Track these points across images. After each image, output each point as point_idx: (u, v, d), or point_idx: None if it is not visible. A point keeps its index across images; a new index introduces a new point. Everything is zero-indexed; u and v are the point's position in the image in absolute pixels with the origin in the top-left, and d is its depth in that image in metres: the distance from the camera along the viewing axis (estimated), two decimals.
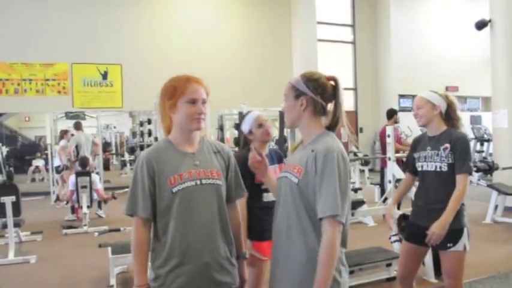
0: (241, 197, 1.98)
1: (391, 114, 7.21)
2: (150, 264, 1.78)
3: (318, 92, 1.75)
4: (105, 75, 12.50)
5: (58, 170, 9.25)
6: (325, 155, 1.62)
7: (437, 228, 2.61)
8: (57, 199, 8.44)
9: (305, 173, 1.66)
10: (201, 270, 1.73)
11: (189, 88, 1.76)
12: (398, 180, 4.48)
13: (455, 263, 2.68)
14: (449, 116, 2.78)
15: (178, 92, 1.76)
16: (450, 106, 2.79)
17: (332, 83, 1.80)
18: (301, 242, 1.68)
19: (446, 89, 15.28)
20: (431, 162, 2.73)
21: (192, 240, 1.72)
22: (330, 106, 1.79)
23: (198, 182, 1.75)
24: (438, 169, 2.70)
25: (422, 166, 2.79)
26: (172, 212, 1.72)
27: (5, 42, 11.55)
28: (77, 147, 9.00)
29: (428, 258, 4.13)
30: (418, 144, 2.89)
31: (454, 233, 2.63)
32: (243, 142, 2.96)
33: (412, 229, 2.89)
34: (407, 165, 3.00)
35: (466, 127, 3.13)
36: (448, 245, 2.64)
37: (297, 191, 1.68)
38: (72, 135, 9.74)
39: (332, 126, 1.78)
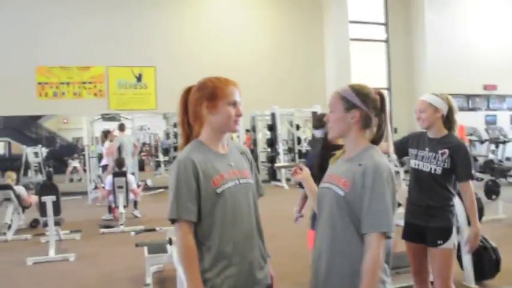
0: (261, 196, 1.98)
1: None
2: None
3: (370, 107, 1.77)
4: (139, 78, 12.74)
5: (104, 169, 9.52)
6: (375, 170, 1.65)
7: (472, 238, 2.77)
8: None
9: (352, 187, 1.68)
10: (246, 270, 1.74)
11: (229, 90, 1.78)
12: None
13: (445, 260, 2.73)
14: (448, 119, 2.83)
15: (219, 93, 1.76)
16: (450, 109, 2.84)
17: (378, 97, 1.82)
18: (346, 254, 1.69)
19: (485, 87, 14.88)
20: (428, 163, 2.79)
21: (239, 240, 1.73)
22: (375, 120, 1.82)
23: (237, 182, 1.77)
24: (433, 171, 2.76)
25: (418, 165, 2.85)
26: (217, 213, 1.71)
27: (44, 47, 11.95)
28: (119, 148, 9.29)
29: (468, 262, 4.03)
30: (418, 140, 2.93)
31: (444, 230, 2.71)
32: (323, 144, 3.03)
33: (408, 227, 2.93)
34: (398, 150, 3.03)
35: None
36: (438, 242, 2.70)
37: (343, 204, 1.69)
38: (115, 135, 10.04)
39: (376, 140, 1.81)
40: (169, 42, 12.80)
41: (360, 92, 1.78)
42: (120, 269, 4.93)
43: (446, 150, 2.73)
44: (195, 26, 13.12)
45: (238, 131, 2.01)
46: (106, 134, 9.98)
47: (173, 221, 1.69)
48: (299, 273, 4.50)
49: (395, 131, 14.43)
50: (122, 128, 10.05)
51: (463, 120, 6.61)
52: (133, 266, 4.88)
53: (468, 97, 14.87)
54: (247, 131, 12.09)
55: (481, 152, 11.98)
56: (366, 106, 1.76)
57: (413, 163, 2.89)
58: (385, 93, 14.79)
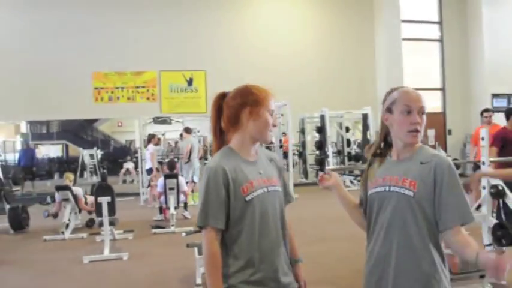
0: (289, 203, 1.97)
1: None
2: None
3: None
4: (190, 82, 13.02)
5: (149, 173, 9.80)
6: (448, 166, 1.66)
7: None
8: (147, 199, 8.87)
9: (420, 186, 1.66)
10: (272, 276, 1.74)
11: (269, 99, 1.81)
12: (493, 187, 4.19)
13: None
14: None
15: (262, 100, 1.78)
16: None
17: None
18: (418, 257, 1.66)
19: None
20: None
21: (266, 248, 1.73)
22: None
23: (266, 190, 1.77)
24: None
25: None
26: (246, 220, 1.71)
27: (100, 54, 12.46)
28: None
29: None
30: None
31: None
32: None
33: None
34: None
35: None
36: None
37: (415, 204, 1.66)
38: (159, 139, 10.29)
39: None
40: (219, 46, 13.00)
41: None
42: (171, 269, 5.03)
43: None
44: (244, 30, 13.25)
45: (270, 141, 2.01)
46: (150, 138, 10.24)
47: (201, 228, 1.70)
48: (347, 277, 4.43)
49: (449, 132, 13.95)
50: (188, 130, 10.39)
51: None
52: (184, 266, 4.97)
53: None
54: (283, 133, 12.10)
55: None
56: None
57: None
58: (439, 93, 14.36)
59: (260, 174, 1.79)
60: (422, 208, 1.65)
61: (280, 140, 12.07)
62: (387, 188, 1.73)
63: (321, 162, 11.58)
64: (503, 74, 13.41)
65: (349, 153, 12.53)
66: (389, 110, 1.76)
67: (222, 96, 1.84)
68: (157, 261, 5.41)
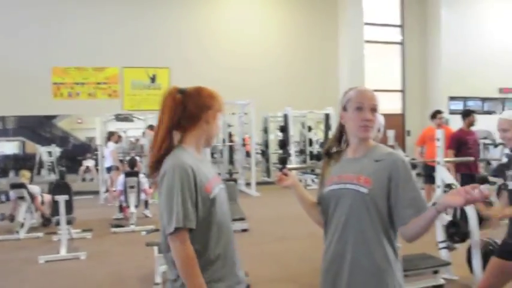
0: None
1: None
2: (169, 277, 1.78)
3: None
4: (153, 79, 12.85)
5: (109, 170, 9.63)
6: (402, 162, 1.71)
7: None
8: (106, 195, 8.66)
9: (374, 183, 1.70)
10: (233, 271, 1.78)
11: (223, 104, 1.87)
12: (447, 186, 4.34)
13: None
14: None
15: (221, 106, 1.85)
16: None
17: None
18: (373, 253, 1.70)
19: (501, 90, 14.68)
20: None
21: (228, 243, 1.77)
22: None
23: (221, 186, 1.83)
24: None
25: (509, 185, 2.77)
26: (211, 218, 1.71)
27: (60, 48, 12.12)
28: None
29: (477, 266, 3.98)
30: (510, 161, 2.86)
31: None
32: None
33: (506, 246, 2.80)
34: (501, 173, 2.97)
35: None
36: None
37: (369, 201, 1.70)
38: (119, 136, 10.13)
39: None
40: (183, 43, 12.89)
41: None
42: (130, 268, 4.97)
43: None
44: (209, 27, 13.18)
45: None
46: (110, 136, 10.05)
47: (175, 230, 1.62)
48: (308, 275, 4.49)
49: (408, 133, 14.34)
50: (152, 128, 10.22)
51: (477, 123, 6.58)
52: (143, 265, 4.92)
53: (483, 100, 14.70)
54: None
55: (494, 155, 11.81)
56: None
57: (509, 184, 2.79)
58: (399, 95, 14.74)
59: (211, 172, 1.83)
60: (376, 205, 1.69)
61: (243, 139, 12.10)
62: (343, 186, 1.77)
63: (283, 161, 11.64)
64: (460, 77, 13.91)
65: (311, 152, 12.67)
66: (344, 108, 1.82)
67: (178, 92, 1.80)
68: (115, 261, 5.33)
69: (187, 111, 1.77)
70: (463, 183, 5.86)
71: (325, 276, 1.81)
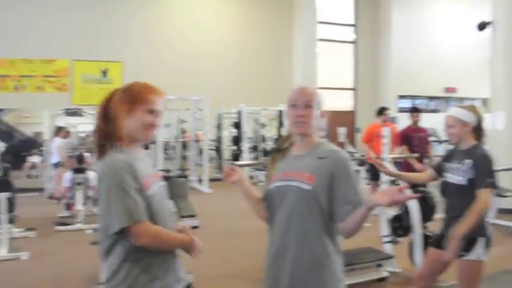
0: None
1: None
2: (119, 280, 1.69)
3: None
4: (105, 73, 12.53)
5: (56, 167, 9.30)
6: (344, 159, 1.76)
7: (452, 236, 2.64)
8: (51, 196, 8.33)
9: (317, 180, 1.73)
10: (173, 270, 1.77)
11: (151, 98, 1.76)
12: (392, 181, 4.46)
13: (467, 272, 2.71)
14: (477, 129, 2.80)
15: (140, 98, 1.74)
16: (479, 120, 2.80)
17: None
18: (314, 248, 1.74)
19: (445, 90, 15.28)
20: (455, 175, 2.77)
21: None
22: None
23: (160, 184, 1.82)
24: (459, 182, 2.74)
25: (447, 177, 2.85)
26: (149, 216, 1.69)
27: (5, 38, 11.56)
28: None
29: (419, 259, 4.12)
30: (450, 154, 2.94)
31: (468, 241, 2.65)
32: None
33: (439, 236, 2.90)
34: (437, 168, 3.03)
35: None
36: (461, 253, 2.66)
37: (311, 198, 1.73)
38: (68, 131, 9.80)
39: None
40: (136, 38, 12.63)
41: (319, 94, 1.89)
42: (74, 268, 4.83)
43: (471, 161, 2.70)
44: (162, 24, 12.98)
45: (150, 140, 1.98)
46: (58, 131, 9.70)
47: (131, 224, 1.59)
48: (256, 270, 4.47)
49: (358, 130, 14.67)
50: None
51: (424, 121, 6.81)
52: (88, 264, 4.78)
53: (430, 99, 15.26)
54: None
55: (439, 152, 12.28)
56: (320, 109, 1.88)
57: (444, 176, 2.88)
58: (351, 93, 15.06)
59: (149, 170, 1.81)
60: (318, 201, 1.72)
61: (197, 135, 12.02)
62: (287, 183, 1.79)
63: (236, 158, 11.67)
64: (409, 76, 14.37)
65: (264, 148, 12.75)
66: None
67: (113, 94, 1.81)
68: (59, 260, 5.16)
69: (111, 108, 1.77)
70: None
71: (268, 271, 1.84)
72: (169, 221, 1.80)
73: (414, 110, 6.61)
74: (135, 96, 1.75)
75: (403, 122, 10.86)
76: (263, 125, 13.22)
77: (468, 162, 2.71)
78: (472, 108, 2.80)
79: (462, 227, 2.60)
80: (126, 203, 1.59)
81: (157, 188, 1.76)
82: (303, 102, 1.79)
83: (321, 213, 1.73)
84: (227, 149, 12.77)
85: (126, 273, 1.65)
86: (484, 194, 2.65)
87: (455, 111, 2.82)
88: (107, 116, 1.76)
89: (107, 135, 1.74)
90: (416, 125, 6.49)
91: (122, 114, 1.73)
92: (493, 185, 2.70)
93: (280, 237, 1.79)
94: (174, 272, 1.76)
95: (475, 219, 2.62)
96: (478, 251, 2.66)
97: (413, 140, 6.34)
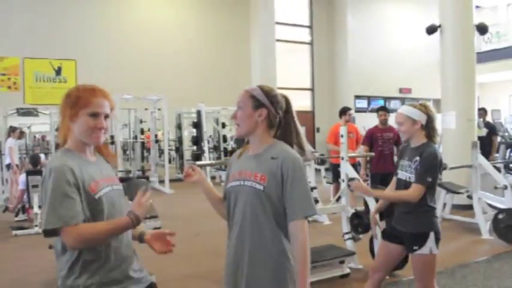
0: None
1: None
2: (64, 279, 1.68)
3: (278, 107, 1.87)
4: (58, 71, 12.19)
5: (8, 169, 8.96)
6: (293, 161, 1.76)
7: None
8: (6, 208, 7.88)
9: (269, 180, 1.76)
10: (125, 274, 1.76)
11: (93, 100, 1.74)
12: (351, 179, 4.58)
13: (422, 266, 2.79)
14: (428, 127, 2.85)
15: (81, 102, 1.73)
16: (429, 118, 2.85)
17: (284, 100, 1.92)
18: (269, 247, 1.76)
19: (400, 90, 15.81)
20: (405, 171, 2.86)
21: (117, 245, 1.75)
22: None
23: (111, 188, 1.78)
24: (408, 179, 2.83)
25: (398, 174, 2.95)
26: (96, 218, 1.68)
27: None
28: None
29: None
30: (402, 151, 3.03)
31: (420, 236, 2.76)
32: None
33: (390, 229, 2.98)
34: (395, 167, 3.13)
35: None
36: (414, 247, 2.76)
37: (264, 197, 1.76)
38: (22, 132, 9.44)
39: (282, 137, 1.90)
40: (92, 36, 12.35)
41: (268, 93, 1.87)
42: (34, 273, 4.69)
43: (418, 158, 2.78)
44: (119, 21, 12.76)
45: (100, 143, 1.96)
46: (10, 132, 9.33)
47: (56, 229, 1.60)
48: (221, 270, 4.52)
49: (317, 130, 14.94)
50: None
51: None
52: (48, 269, 4.63)
53: (385, 99, 15.72)
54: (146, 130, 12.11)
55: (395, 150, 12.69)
56: (272, 106, 1.86)
57: (397, 173, 2.97)
58: (309, 93, 15.30)
59: (102, 173, 1.79)
60: (271, 201, 1.76)
61: (156, 135, 11.89)
62: (241, 182, 1.83)
63: (197, 158, 11.64)
64: (365, 77, 14.76)
65: (225, 148, 12.76)
66: None
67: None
68: (17, 266, 4.99)
69: (60, 113, 1.78)
70: (372, 182, 6.16)
71: (227, 271, 1.88)
72: None
73: (381, 109, 6.57)
74: (77, 101, 1.72)
75: (360, 122, 11.15)
76: (223, 125, 13.22)
77: (416, 159, 2.80)
78: (422, 107, 2.86)
79: (377, 193, 2.99)
80: (59, 205, 1.59)
81: (108, 190, 1.74)
82: (237, 104, 1.88)
83: (275, 213, 1.76)
84: (188, 149, 12.71)
85: (73, 273, 1.65)
86: (416, 189, 2.74)
87: (405, 109, 2.90)
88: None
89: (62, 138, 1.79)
90: (385, 124, 6.36)
91: (66, 119, 1.74)
92: (430, 184, 2.76)
93: (237, 237, 1.83)
94: (129, 274, 1.76)
95: (393, 198, 2.90)
96: (430, 245, 2.75)
97: (378, 139, 6.27)
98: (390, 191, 2.96)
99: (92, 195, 1.68)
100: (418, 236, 2.76)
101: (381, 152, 6.07)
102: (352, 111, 7.48)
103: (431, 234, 2.77)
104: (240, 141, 11.22)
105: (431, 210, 2.83)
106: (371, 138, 6.30)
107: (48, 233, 1.60)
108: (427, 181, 2.74)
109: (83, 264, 1.65)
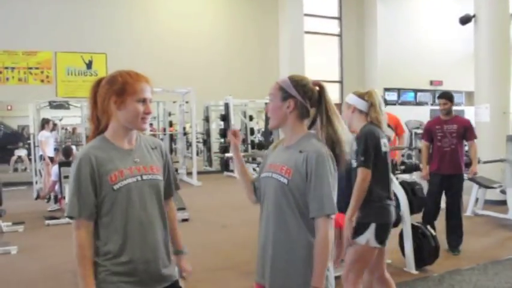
0: (176, 191, 1.99)
1: None
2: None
3: (306, 97, 1.82)
4: (89, 65, 12.40)
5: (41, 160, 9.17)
6: (317, 156, 1.71)
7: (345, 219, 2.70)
8: (38, 196, 8.09)
9: (294, 174, 1.73)
10: (142, 268, 1.73)
11: (139, 86, 1.73)
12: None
13: (353, 254, 2.70)
14: (369, 114, 2.82)
15: (129, 89, 1.71)
16: (370, 104, 2.81)
17: (317, 88, 1.86)
18: (292, 241, 1.75)
19: (431, 83, 15.45)
20: (352, 159, 2.77)
21: (136, 239, 1.72)
22: (313, 110, 1.86)
23: (139, 178, 1.74)
24: (353, 165, 2.75)
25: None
26: (114, 209, 1.69)
27: None
28: None
29: (409, 249, 4.19)
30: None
31: (362, 225, 2.67)
32: None
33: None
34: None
35: None
36: (354, 235, 2.67)
37: (288, 191, 1.74)
38: (55, 124, 9.63)
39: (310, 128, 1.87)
40: (122, 29, 12.52)
41: (298, 83, 1.83)
42: (64, 262, 4.77)
43: (355, 141, 2.74)
44: (146, 14, 12.89)
45: (146, 129, 1.97)
46: (44, 124, 9.53)
47: (71, 218, 1.68)
48: (247, 262, 4.53)
49: (345, 122, 14.78)
50: None
51: (410, 113, 6.88)
52: None
53: (416, 92, 15.41)
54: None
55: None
56: (302, 96, 1.81)
57: (353, 163, 2.85)
58: (338, 86, 15.13)
59: (135, 162, 1.76)
60: (294, 195, 1.73)
61: (184, 128, 11.98)
62: (270, 174, 1.82)
63: (225, 150, 11.69)
64: (394, 68, 14.49)
65: (252, 141, 12.77)
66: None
67: (98, 84, 1.77)
68: (49, 254, 5.12)
69: (98, 101, 1.76)
70: (430, 185, 5.22)
71: (258, 259, 1.87)
72: (145, 218, 1.74)
73: (441, 96, 5.15)
74: (124, 88, 1.71)
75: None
76: (251, 118, 13.23)
77: (354, 144, 2.73)
78: (364, 93, 2.84)
79: (349, 211, 2.66)
80: (74, 195, 1.66)
81: (132, 181, 1.71)
82: (269, 96, 1.87)
83: (299, 207, 1.73)
84: (215, 141, 12.77)
85: (96, 253, 1.70)
86: (358, 173, 2.67)
87: (349, 97, 2.91)
88: (96, 106, 1.77)
89: (96, 126, 1.78)
90: (447, 115, 5.06)
91: (111, 107, 1.72)
92: (364, 163, 2.68)
93: (264, 229, 1.84)
94: (149, 268, 1.73)
95: (356, 200, 2.66)
96: (367, 236, 2.65)
97: (436, 133, 5.11)
98: (352, 200, 2.72)
99: (110, 186, 1.68)
100: (360, 225, 2.66)
101: (439, 149, 4.95)
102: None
103: (372, 225, 2.65)
104: (268, 134, 11.22)
105: (378, 200, 2.71)
106: (429, 132, 5.16)
107: (71, 219, 1.69)
108: (361, 161, 2.68)
109: (100, 246, 1.70)
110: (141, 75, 1.76)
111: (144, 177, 1.76)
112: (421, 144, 5.44)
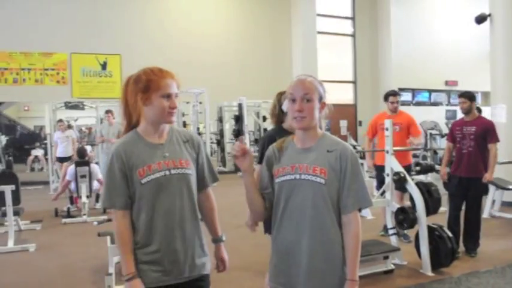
0: (214, 182, 2.03)
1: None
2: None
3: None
4: (104, 66, 12.51)
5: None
6: (351, 154, 1.76)
7: None
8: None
9: (329, 173, 1.73)
10: (172, 258, 1.80)
11: (163, 82, 1.79)
12: (396, 174, 4.48)
13: None
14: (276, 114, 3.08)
15: (153, 85, 1.78)
16: (278, 104, 2.98)
17: None
18: (329, 240, 1.74)
19: (446, 83, 15.31)
20: None
21: (164, 230, 1.79)
22: None
23: (168, 173, 1.80)
24: None
25: None
26: (142, 202, 1.78)
27: (4, 31, 11.53)
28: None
29: (425, 251, 4.17)
30: None
31: None
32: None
33: None
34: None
35: None
36: None
37: (325, 191, 1.73)
38: (69, 125, 9.74)
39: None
40: (136, 31, 12.62)
41: (321, 84, 1.84)
42: (82, 259, 4.86)
43: None
44: (160, 15, 12.97)
45: (174, 122, 1.99)
46: (60, 124, 9.63)
47: (106, 209, 1.85)
48: (262, 262, 4.52)
49: (360, 123, 14.69)
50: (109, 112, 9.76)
51: (425, 114, 6.82)
52: (96, 256, 4.82)
53: (430, 92, 15.28)
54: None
55: (441, 145, 12.34)
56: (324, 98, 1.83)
57: None
58: (351, 86, 15.07)
59: (164, 157, 1.82)
60: (331, 194, 1.73)
61: (198, 128, 12.02)
62: (297, 176, 1.76)
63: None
64: (409, 69, 14.38)
65: None
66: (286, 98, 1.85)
67: (127, 83, 1.85)
68: (66, 252, 5.19)
69: (128, 98, 1.84)
70: (448, 186, 5.13)
71: (279, 267, 1.81)
72: (175, 210, 1.80)
73: (461, 95, 5.00)
74: (149, 85, 1.78)
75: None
76: (264, 118, 13.23)
77: None
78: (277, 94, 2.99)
79: None
80: (107, 187, 1.79)
81: (160, 175, 1.77)
82: (301, 96, 1.74)
83: (334, 206, 1.74)
84: (229, 142, 12.80)
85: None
86: None
87: None
88: (127, 103, 1.85)
89: (128, 122, 1.88)
90: (468, 114, 4.93)
91: (139, 104, 1.81)
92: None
93: (293, 232, 1.76)
94: (177, 261, 1.80)
95: None
96: None
97: (456, 135, 5.01)
98: None
99: (138, 180, 1.77)
100: None
101: (459, 150, 4.88)
102: (397, 98, 5.81)
103: None
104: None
105: None
106: (452, 133, 5.06)
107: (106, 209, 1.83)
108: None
109: (135, 236, 1.80)
110: (165, 72, 1.83)
111: (173, 171, 1.81)
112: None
